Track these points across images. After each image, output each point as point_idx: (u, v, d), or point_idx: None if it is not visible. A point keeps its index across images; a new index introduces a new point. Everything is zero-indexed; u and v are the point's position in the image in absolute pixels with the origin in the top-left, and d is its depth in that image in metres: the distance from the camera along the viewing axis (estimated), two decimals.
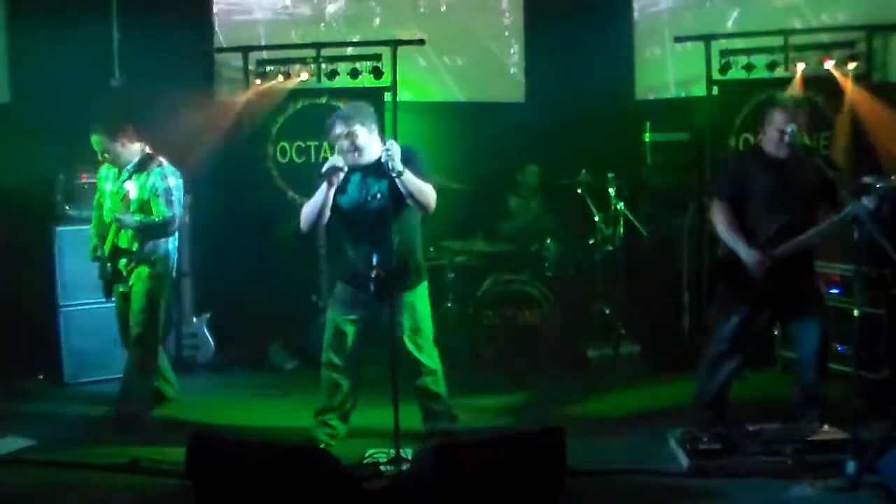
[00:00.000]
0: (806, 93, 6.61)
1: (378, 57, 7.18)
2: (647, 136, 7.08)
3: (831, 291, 5.58)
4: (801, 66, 6.73)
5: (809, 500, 3.94)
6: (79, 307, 6.14)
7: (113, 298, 5.35)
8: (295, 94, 7.33)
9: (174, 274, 5.40)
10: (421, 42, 7.23)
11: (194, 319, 6.52)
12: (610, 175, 6.66)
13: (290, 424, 5.14)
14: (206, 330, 6.54)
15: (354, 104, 4.99)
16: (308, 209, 4.52)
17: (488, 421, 5.26)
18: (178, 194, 5.18)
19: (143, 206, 5.13)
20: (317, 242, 6.58)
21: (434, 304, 4.90)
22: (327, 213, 4.50)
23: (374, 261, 4.22)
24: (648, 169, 7.09)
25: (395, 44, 7.19)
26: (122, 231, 5.14)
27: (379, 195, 4.48)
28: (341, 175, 4.41)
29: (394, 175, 4.28)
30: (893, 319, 5.34)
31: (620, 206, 6.67)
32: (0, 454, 4.75)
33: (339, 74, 7.23)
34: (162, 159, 5.19)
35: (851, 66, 6.66)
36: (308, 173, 7.30)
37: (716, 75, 6.88)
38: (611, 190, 6.66)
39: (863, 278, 4.31)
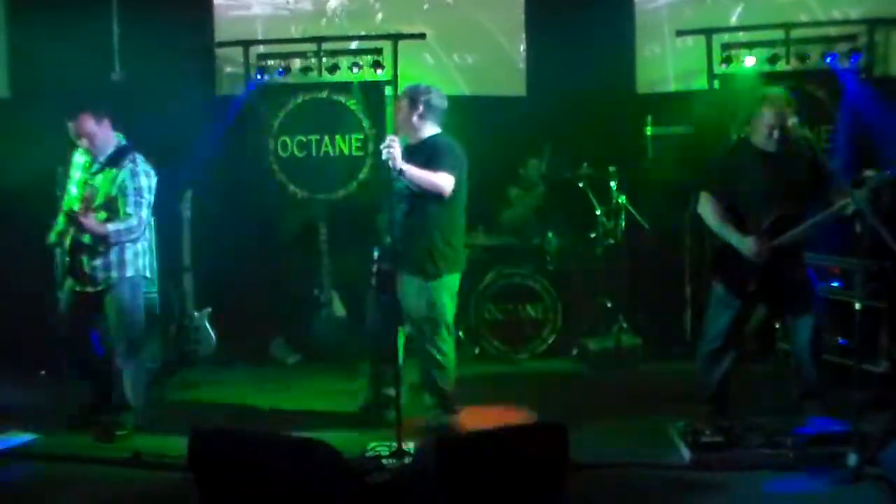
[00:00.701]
0: (807, 87, 6.61)
1: (379, 51, 7.18)
2: (648, 130, 7.06)
3: (832, 284, 5.58)
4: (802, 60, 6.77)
5: (811, 493, 3.94)
6: None
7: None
8: (296, 88, 7.32)
9: (144, 285, 5.11)
10: (422, 36, 7.22)
11: (196, 314, 6.52)
12: (612, 169, 6.68)
13: (292, 419, 5.14)
14: (207, 324, 6.54)
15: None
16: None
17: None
18: (148, 197, 4.85)
19: (111, 203, 4.80)
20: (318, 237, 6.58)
21: None
22: None
23: (375, 254, 4.23)
24: (650, 162, 7.08)
25: (395, 38, 7.18)
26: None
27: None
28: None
29: (395, 174, 4.30)
30: (894, 312, 5.34)
31: (622, 199, 6.69)
32: (2, 448, 4.75)
33: (339, 69, 7.23)
34: (137, 155, 4.89)
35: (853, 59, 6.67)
36: (309, 168, 7.34)
37: (717, 69, 6.91)
38: (612, 183, 6.68)
39: (864, 271, 4.30)
